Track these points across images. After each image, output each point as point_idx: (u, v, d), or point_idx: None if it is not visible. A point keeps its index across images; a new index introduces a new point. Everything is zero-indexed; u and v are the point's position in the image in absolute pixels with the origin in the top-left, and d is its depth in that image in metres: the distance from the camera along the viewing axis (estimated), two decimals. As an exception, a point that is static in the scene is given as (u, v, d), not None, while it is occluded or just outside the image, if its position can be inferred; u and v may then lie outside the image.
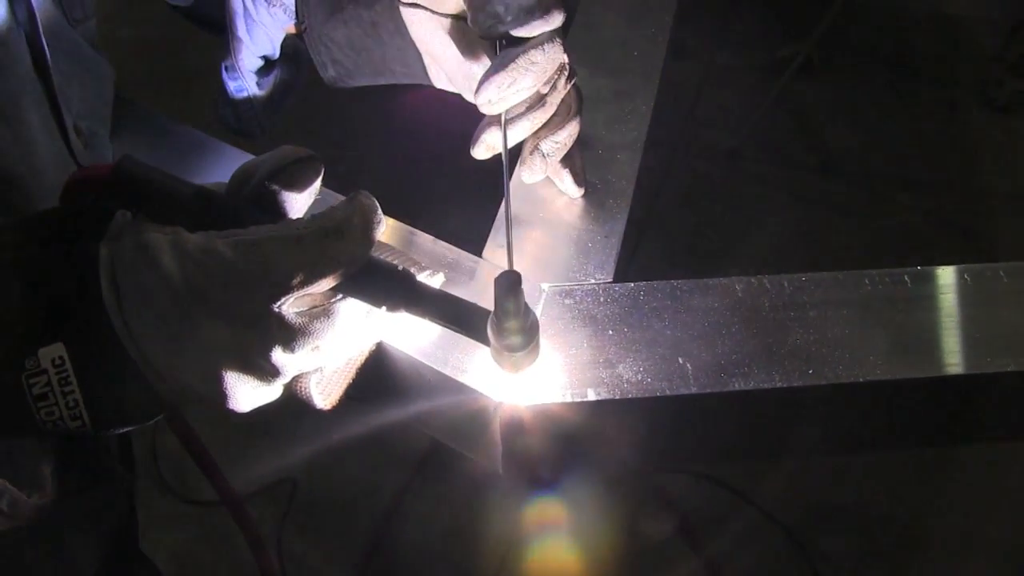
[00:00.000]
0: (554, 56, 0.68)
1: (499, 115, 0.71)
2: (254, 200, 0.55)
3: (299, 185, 0.56)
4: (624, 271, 0.76)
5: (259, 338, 0.49)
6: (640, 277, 0.73)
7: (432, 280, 0.64)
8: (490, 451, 0.71)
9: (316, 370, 0.56)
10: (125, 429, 0.52)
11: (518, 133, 0.73)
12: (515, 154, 0.77)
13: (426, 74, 0.80)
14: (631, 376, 0.66)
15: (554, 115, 0.74)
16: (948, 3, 3.48)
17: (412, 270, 0.60)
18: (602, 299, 0.72)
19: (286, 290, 0.49)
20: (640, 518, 2.13)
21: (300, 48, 0.87)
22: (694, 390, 0.66)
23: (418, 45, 0.77)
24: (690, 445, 0.86)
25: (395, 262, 0.61)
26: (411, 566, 2.12)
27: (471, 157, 0.75)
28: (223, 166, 0.83)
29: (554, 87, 0.72)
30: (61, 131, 0.72)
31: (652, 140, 0.88)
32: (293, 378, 0.54)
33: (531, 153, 0.76)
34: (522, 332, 0.55)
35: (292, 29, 0.85)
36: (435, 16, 0.73)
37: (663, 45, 0.98)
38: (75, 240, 0.50)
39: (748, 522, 2.16)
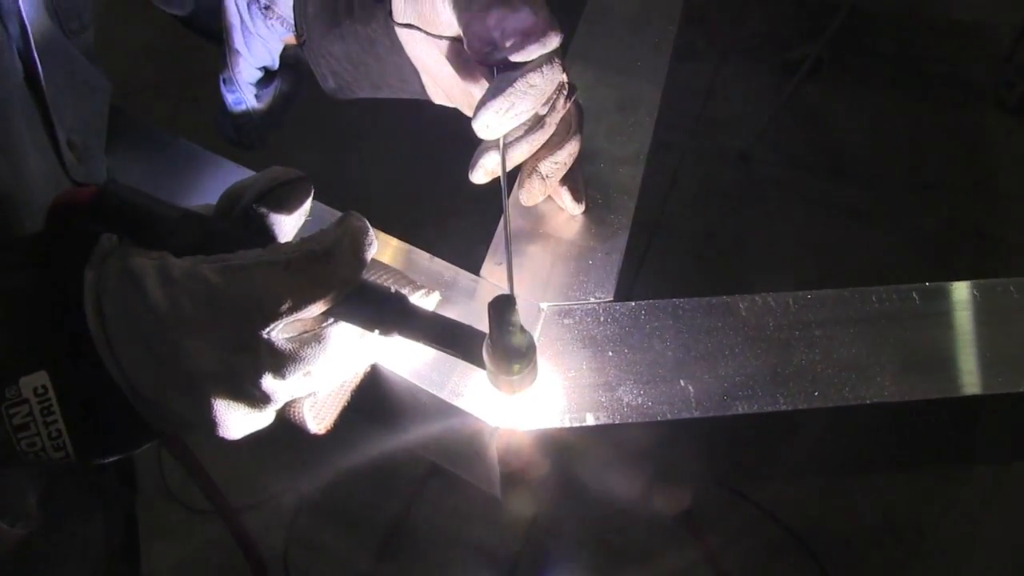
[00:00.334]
0: (552, 78, 0.66)
1: (497, 139, 0.69)
2: (242, 223, 0.54)
3: (288, 207, 0.55)
4: (632, 279, 0.75)
5: (248, 365, 0.48)
6: (648, 284, 0.72)
7: (428, 300, 0.63)
8: (489, 475, 0.70)
9: (309, 395, 0.55)
10: (111, 459, 0.51)
11: (517, 156, 0.72)
12: (514, 176, 0.76)
13: (424, 90, 0.79)
14: (631, 400, 0.65)
15: (553, 135, 0.72)
16: (958, 5, 3.44)
17: (406, 290, 0.59)
18: (602, 319, 0.70)
19: (275, 316, 0.48)
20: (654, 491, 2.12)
21: (302, 58, 0.85)
22: (696, 414, 0.64)
23: (415, 63, 0.75)
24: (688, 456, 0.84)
25: (389, 283, 0.60)
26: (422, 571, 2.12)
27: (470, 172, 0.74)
28: (220, 180, 0.82)
29: (553, 107, 0.70)
30: (54, 145, 0.71)
31: (661, 143, 0.86)
32: (286, 403, 0.53)
33: (529, 176, 0.74)
34: (518, 355, 0.54)
35: (292, 40, 0.84)
36: (431, 37, 0.71)
37: (667, 54, 0.97)
38: (59, 265, 0.49)
39: (748, 520, 2.15)
